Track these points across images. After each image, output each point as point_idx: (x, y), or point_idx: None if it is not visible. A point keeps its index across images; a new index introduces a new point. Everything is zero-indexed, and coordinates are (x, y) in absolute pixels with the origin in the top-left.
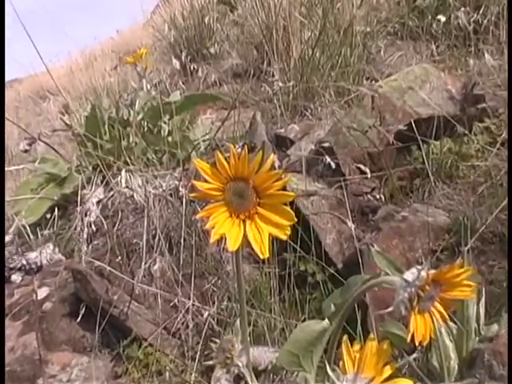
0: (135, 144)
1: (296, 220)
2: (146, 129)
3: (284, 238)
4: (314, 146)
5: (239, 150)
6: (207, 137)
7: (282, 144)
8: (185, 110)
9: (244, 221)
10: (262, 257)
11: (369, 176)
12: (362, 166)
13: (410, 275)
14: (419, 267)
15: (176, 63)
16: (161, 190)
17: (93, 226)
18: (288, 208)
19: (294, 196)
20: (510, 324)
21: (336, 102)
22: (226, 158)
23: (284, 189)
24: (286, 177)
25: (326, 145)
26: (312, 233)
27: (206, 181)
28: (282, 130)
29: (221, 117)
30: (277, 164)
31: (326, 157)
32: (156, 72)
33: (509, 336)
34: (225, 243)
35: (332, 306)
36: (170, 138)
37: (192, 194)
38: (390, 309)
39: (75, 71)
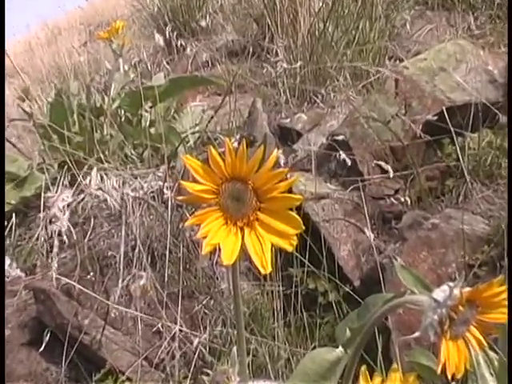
0: (110, 137)
1: (304, 228)
2: (123, 118)
3: (289, 249)
4: (325, 140)
5: (236, 144)
6: (197, 128)
7: (287, 137)
8: (170, 95)
9: (242, 229)
10: (263, 272)
11: (391, 175)
12: (383, 164)
13: (440, 294)
14: (451, 284)
15: (159, 39)
16: (141, 192)
17: (59, 235)
18: (294, 214)
19: (302, 199)
20: (509, 325)
21: (352, 87)
22: (220, 154)
23: (290, 191)
24: (292, 176)
25: (340, 138)
26: (323, 243)
27: (196, 181)
28: (288, 121)
29: (213, 104)
30: (281, 161)
31: (340, 152)
32: (135, 50)
33: (509, 337)
34: (219, 256)
35: (347, 331)
36: (152, 130)
37: (179, 197)
38: (417, 334)
39: (35, 48)
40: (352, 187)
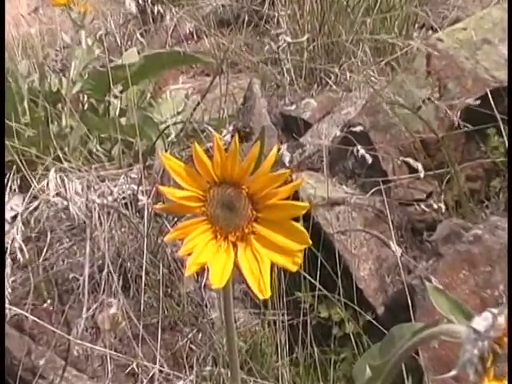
0: (70, 129)
1: (311, 242)
2: (86, 106)
3: (293, 269)
4: (340, 132)
5: (228, 138)
6: (180, 118)
7: (292, 128)
8: (145, 76)
9: (235, 244)
10: (261, 297)
11: (422, 175)
12: (412, 161)
13: (481, 323)
14: (495, 311)
15: (130, 4)
16: (110, 198)
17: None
18: (300, 225)
19: (310, 206)
20: (509, 326)
21: (373, 65)
22: (207, 151)
23: (295, 196)
24: (297, 178)
25: (359, 129)
26: (338, 261)
27: (178, 186)
28: (293, 108)
29: (200, 87)
30: (285, 159)
31: (359, 147)
32: (100, 19)
33: (509, 338)
34: (207, 278)
35: (368, 369)
36: (123, 120)
37: (158, 206)
38: (454, 372)
39: None
40: (373, 190)
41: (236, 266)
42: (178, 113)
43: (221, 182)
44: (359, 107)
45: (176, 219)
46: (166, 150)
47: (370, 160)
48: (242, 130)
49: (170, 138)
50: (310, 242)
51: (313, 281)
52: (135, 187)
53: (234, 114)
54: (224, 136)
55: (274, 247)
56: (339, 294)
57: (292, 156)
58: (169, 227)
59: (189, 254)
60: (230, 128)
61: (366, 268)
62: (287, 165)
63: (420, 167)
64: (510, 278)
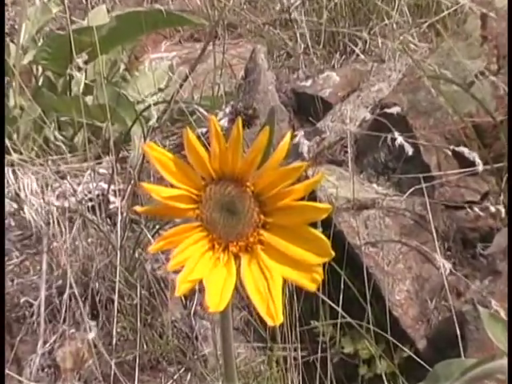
0: (20, 111)
1: (334, 254)
2: (41, 81)
3: (312, 288)
4: (369, 114)
5: (225, 123)
6: (162, 96)
7: (307, 110)
8: (117, 43)
9: (237, 257)
10: (271, 324)
11: (481, 169)
12: (464, 150)
13: None
14: None
15: None
16: (73, 200)
17: None
18: (319, 233)
19: (332, 210)
20: (509, 327)
21: (413, 28)
22: (201, 139)
23: (311, 197)
24: (315, 174)
25: (394, 111)
26: (367, 280)
27: (163, 183)
28: (309, 83)
29: (188, 57)
30: (299, 149)
31: (395, 133)
32: None
33: (509, 334)
34: (199, 301)
35: None
36: (89, 100)
37: (137, 208)
38: None
39: None
40: (412, 190)
41: (238, 284)
42: (161, 90)
43: (219, 179)
44: (394, 83)
45: (158, 227)
46: (145, 138)
47: (408, 151)
48: (243, 113)
49: (150, 123)
50: (333, 254)
51: (334, 306)
52: (105, 186)
53: (232, 92)
54: (220, 120)
55: (286, 260)
56: (368, 324)
57: (308, 145)
58: (149, 237)
59: (178, 269)
60: (228, 110)
61: (402, 290)
62: (302, 157)
63: (477, 159)
64: (510, 278)
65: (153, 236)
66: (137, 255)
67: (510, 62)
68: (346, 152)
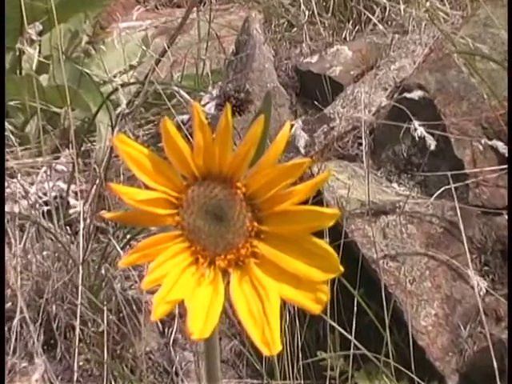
0: None
1: (343, 270)
2: None
3: (316, 310)
4: (388, 98)
5: (211, 108)
6: (134, 75)
7: (312, 92)
8: (78, 9)
9: (226, 273)
10: (267, 354)
11: None
12: (498, 145)
13: None
14: None
15: None
16: (25, 203)
17: None
18: (326, 244)
19: (340, 215)
20: (509, 327)
21: None
22: (181, 129)
23: (318, 200)
24: (321, 171)
25: (418, 94)
26: (385, 302)
27: (136, 183)
28: (314, 60)
29: (166, 25)
30: (301, 141)
31: (415, 123)
32: None
33: (509, 338)
34: (182, 326)
35: None
36: (43, 79)
37: (105, 214)
38: None
39: None
40: (442, 190)
41: (226, 306)
42: (132, 67)
43: (204, 178)
44: (419, 59)
45: (130, 237)
46: (114, 128)
47: (431, 144)
48: (233, 97)
49: (119, 109)
50: (342, 270)
51: (345, 333)
52: (64, 186)
53: (220, 70)
54: (205, 105)
55: (285, 277)
56: (387, 356)
57: (313, 137)
58: (118, 249)
59: (152, 292)
60: (215, 92)
61: (429, 314)
62: (305, 151)
63: None
64: (510, 277)
65: (123, 248)
66: (103, 271)
67: (510, 62)
68: (360, 144)
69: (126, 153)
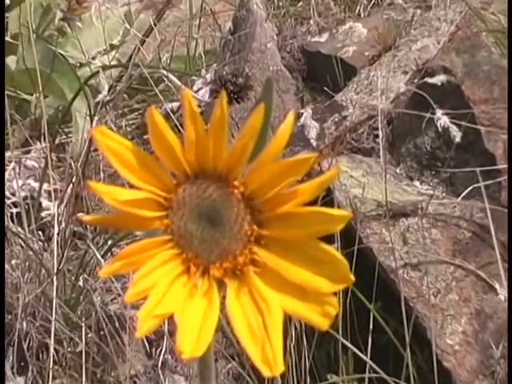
0: None
1: (353, 279)
2: None
3: (324, 326)
4: (406, 84)
5: (204, 94)
6: (116, 56)
7: (322, 76)
8: None
9: (221, 283)
10: (268, 375)
11: None
12: None
13: None
14: None
15: None
16: None
17: None
18: (335, 250)
19: (352, 217)
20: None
21: None
22: (170, 119)
23: (327, 200)
24: (331, 167)
25: (443, 79)
26: (405, 317)
27: (121, 181)
28: (323, 39)
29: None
30: (310, 133)
31: (437, 112)
32: None
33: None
34: (171, 345)
35: None
36: (10, 62)
37: (84, 217)
38: None
39: None
40: (471, 189)
41: (223, 321)
42: (114, 47)
43: (197, 176)
44: (444, 38)
45: (111, 243)
46: (93, 117)
47: (456, 136)
48: (230, 82)
49: (99, 96)
50: (353, 279)
51: (359, 353)
52: (36, 184)
53: (215, 51)
54: (198, 92)
55: (289, 288)
56: (408, 380)
57: (322, 128)
58: (98, 256)
59: (137, 306)
60: (209, 77)
61: (456, 331)
62: (313, 144)
63: None
64: (510, 277)
65: (104, 256)
66: (81, 283)
67: (510, 62)
68: (377, 136)
69: (107, 147)
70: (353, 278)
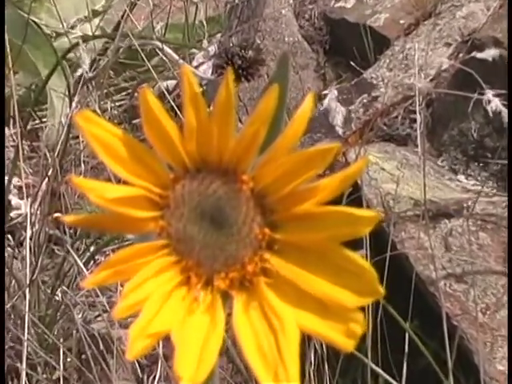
0: None
1: (383, 293)
2: None
3: (348, 347)
4: (449, 59)
5: (208, 72)
6: (100, 24)
7: (348, 49)
8: None
9: (227, 296)
10: None
11: None
12: None
13: None
14: None
15: None
16: None
17: None
18: (361, 258)
19: (386, 219)
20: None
21: None
22: (166, 100)
23: (354, 198)
24: (359, 158)
25: (492, 54)
26: (449, 338)
27: (107, 175)
28: (350, 4)
29: None
30: (334, 117)
31: (489, 94)
32: None
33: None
34: (167, 369)
35: None
36: None
37: (63, 217)
38: None
39: None
40: None
41: (228, 341)
42: (97, 13)
43: (198, 169)
44: (494, 4)
45: (94, 249)
46: (72, 98)
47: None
48: (238, 55)
49: (79, 71)
50: (383, 292)
51: (392, 380)
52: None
53: (219, 19)
54: (198, 67)
55: (306, 302)
56: None
57: (348, 111)
58: (80, 264)
59: (125, 324)
60: (212, 50)
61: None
62: (338, 131)
63: None
64: (510, 277)
65: (86, 264)
66: (59, 296)
67: (510, 62)
68: (414, 121)
69: (93, 135)
70: (383, 290)
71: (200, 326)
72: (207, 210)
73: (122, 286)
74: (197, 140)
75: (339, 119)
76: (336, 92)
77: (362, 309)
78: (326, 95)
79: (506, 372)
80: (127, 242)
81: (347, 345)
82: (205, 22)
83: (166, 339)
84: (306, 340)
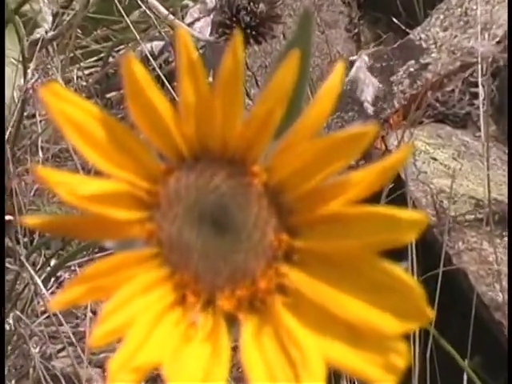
0: None
1: (432, 317)
2: None
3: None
4: None
5: (206, 30)
6: None
7: (388, 2)
8: None
9: (233, 319)
10: None
11: None
12: None
13: None
14: None
15: None
16: None
17: None
18: (404, 271)
19: (432, 224)
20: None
21: None
22: (155, 70)
23: (397, 196)
24: (404, 145)
25: None
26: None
27: (73, 166)
28: None
29: None
30: (368, 93)
31: None
32: None
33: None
34: None
35: None
36: None
37: (26, 219)
38: None
39: None
40: None
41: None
42: None
43: (197, 158)
44: None
45: (57, 261)
46: (27, 65)
47: None
48: (246, 10)
49: (37, 30)
50: (432, 316)
51: None
52: None
53: None
54: (193, 24)
55: (334, 328)
56: None
57: (389, 83)
58: (38, 282)
59: (101, 364)
60: (212, 1)
61: None
62: (367, 109)
63: None
64: (510, 277)
65: (45, 281)
66: (10, 324)
67: (510, 63)
68: (476, 97)
69: (63, 114)
70: (432, 314)
71: (199, 358)
72: (208, 209)
73: (93, 312)
74: (195, 121)
75: (369, 94)
76: (366, 58)
77: (406, 337)
78: (353, 62)
79: None
80: (100, 254)
81: (386, 382)
82: None
83: (156, 373)
84: (332, 376)
